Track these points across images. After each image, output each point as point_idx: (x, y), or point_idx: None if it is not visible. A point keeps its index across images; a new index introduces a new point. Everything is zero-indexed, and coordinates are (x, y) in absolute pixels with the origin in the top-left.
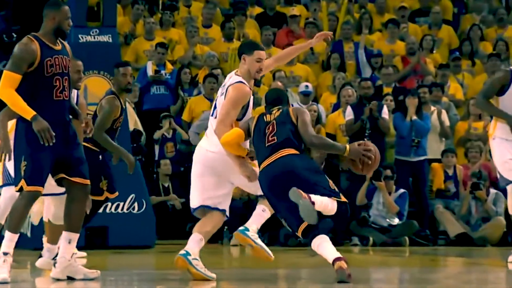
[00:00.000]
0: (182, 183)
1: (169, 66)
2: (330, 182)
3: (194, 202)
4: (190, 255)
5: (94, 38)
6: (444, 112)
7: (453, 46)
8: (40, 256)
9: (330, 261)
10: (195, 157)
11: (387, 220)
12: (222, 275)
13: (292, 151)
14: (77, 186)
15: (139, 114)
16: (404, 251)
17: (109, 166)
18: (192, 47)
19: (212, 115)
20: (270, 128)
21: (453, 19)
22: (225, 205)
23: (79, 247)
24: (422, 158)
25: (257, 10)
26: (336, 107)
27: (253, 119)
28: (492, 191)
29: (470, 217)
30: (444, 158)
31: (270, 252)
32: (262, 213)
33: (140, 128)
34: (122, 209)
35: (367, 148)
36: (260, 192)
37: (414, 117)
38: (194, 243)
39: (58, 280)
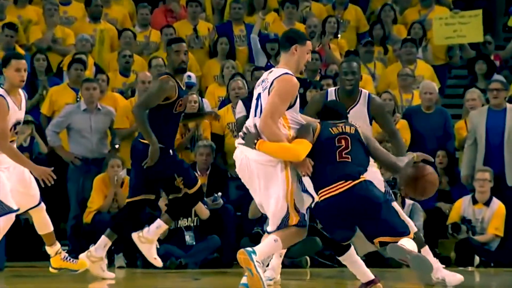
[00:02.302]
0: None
1: (21, 51)
2: (398, 210)
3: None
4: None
5: None
6: None
7: (362, 30)
8: None
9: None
10: (242, 170)
11: None
12: None
13: (366, 177)
14: None
15: None
16: (305, 273)
17: (180, 160)
18: (51, 29)
19: (255, 115)
20: (343, 143)
21: None
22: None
23: None
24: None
25: None
26: (224, 101)
27: (316, 126)
28: (408, 201)
29: None
30: None
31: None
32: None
33: None
34: None
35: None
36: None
37: None
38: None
39: None
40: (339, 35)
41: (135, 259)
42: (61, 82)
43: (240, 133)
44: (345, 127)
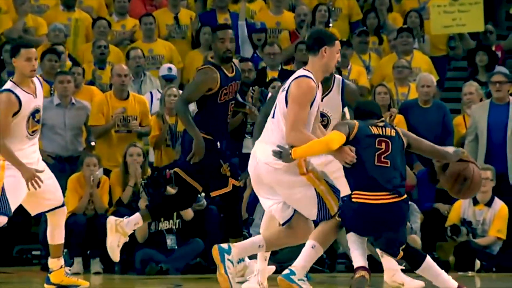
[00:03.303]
0: None
1: None
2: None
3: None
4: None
5: None
6: None
7: (355, 19)
8: None
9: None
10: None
11: None
12: None
13: (403, 196)
14: None
15: None
16: None
17: (228, 153)
18: (22, 18)
19: (272, 117)
20: (383, 146)
21: None
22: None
23: None
24: None
25: None
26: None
27: (353, 124)
28: None
29: None
30: None
31: None
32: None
33: None
34: None
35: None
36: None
37: None
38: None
39: None
40: (330, 24)
41: (112, 264)
42: None
43: (273, 154)
44: (385, 129)
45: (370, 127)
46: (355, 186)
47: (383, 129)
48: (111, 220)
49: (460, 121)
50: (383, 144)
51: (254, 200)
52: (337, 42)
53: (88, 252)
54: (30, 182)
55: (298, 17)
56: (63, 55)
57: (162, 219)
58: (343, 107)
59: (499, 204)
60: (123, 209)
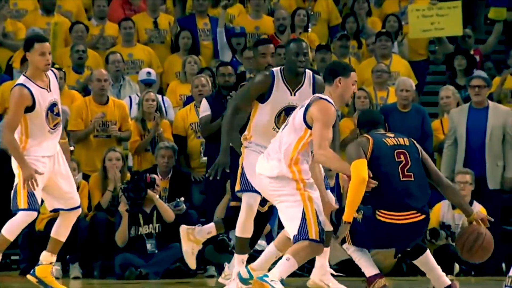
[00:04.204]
0: None
1: None
2: None
3: None
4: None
5: None
6: None
7: (334, 23)
8: None
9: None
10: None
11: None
12: None
13: (425, 213)
14: None
15: None
16: None
17: None
18: (0, 22)
19: (281, 130)
20: (403, 159)
21: None
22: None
23: None
24: None
25: None
26: (188, 100)
27: (367, 140)
28: None
29: None
30: None
31: None
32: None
33: None
34: None
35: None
36: None
37: None
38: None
39: None
40: (309, 29)
41: (92, 269)
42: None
43: (335, 239)
44: (398, 139)
45: (384, 139)
46: (381, 205)
47: (396, 139)
48: (183, 228)
49: (438, 126)
50: (402, 156)
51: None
52: (353, 74)
53: (68, 257)
54: (26, 182)
55: (277, 21)
56: None
57: (142, 224)
58: None
59: (477, 208)
60: (102, 213)
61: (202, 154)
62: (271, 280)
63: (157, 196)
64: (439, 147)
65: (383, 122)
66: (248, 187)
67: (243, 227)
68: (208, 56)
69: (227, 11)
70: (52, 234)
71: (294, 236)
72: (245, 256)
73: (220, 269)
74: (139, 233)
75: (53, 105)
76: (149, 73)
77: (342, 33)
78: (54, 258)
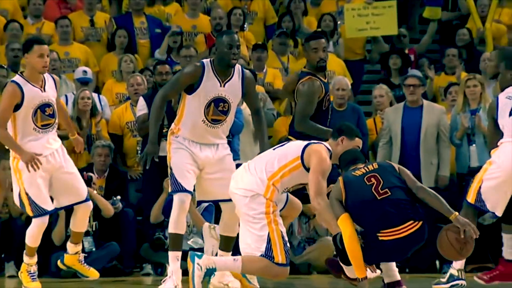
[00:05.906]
0: None
1: None
2: None
3: None
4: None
5: None
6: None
7: (270, 22)
8: None
9: None
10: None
11: (192, 241)
12: None
13: (421, 219)
14: None
15: None
16: None
17: None
18: None
19: (274, 148)
20: (374, 181)
21: None
22: None
23: None
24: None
25: None
26: (124, 99)
27: (338, 183)
28: None
29: (292, 237)
30: None
31: None
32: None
33: None
34: None
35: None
36: None
37: None
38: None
39: None
40: (245, 28)
41: None
42: None
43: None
44: (367, 167)
45: (353, 173)
46: (376, 228)
47: (365, 168)
48: (206, 226)
49: (371, 124)
50: (372, 179)
51: (169, 203)
52: (358, 140)
53: (3, 255)
54: (30, 164)
55: (213, 21)
56: None
57: None
58: (242, 94)
59: None
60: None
61: (138, 153)
62: (197, 263)
63: (95, 192)
64: (372, 145)
65: (363, 158)
66: (179, 188)
67: (176, 224)
68: (145, 55)
69: (163, 10)
70: (71, 227)
71: (260, 255)
72: (179, 253)
73: (156, 268)
74: None
75: (46, 105)
76: (85, 71)
77: (281, 30)
78: (79, 248)
